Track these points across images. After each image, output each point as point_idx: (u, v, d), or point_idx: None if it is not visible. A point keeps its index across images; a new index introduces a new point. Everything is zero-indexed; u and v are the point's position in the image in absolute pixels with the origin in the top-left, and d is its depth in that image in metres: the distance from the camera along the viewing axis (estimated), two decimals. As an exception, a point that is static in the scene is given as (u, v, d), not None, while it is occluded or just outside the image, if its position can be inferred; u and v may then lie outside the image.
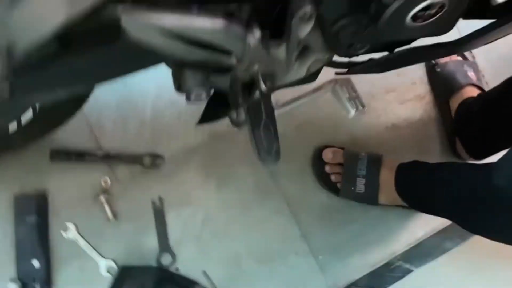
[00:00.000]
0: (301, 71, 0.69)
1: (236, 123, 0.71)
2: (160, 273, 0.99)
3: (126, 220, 1.03)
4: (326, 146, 1.08)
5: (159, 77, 1.06)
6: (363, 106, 0.65)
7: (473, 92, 1.09)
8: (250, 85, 0.65)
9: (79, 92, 0.60)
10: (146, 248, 1.03)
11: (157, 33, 0.50)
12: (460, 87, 1.09)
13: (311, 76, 0.74)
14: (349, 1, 0.56)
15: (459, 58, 1.16)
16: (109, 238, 1.00)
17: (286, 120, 1.07)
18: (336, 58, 0.76)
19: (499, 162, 0.66)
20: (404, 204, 1.04)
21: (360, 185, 1.03)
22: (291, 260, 1.06)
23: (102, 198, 1.02)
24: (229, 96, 0.69)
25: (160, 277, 0.98)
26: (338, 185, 1.06)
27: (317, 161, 1.08)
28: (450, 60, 1.15)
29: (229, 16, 0.53)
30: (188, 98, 0.61)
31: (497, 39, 0.75)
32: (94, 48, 0.54)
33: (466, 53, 1.15)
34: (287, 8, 0.57)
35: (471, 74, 1.13)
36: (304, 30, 0.56)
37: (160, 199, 1.05)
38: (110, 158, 1.05)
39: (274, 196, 1.08)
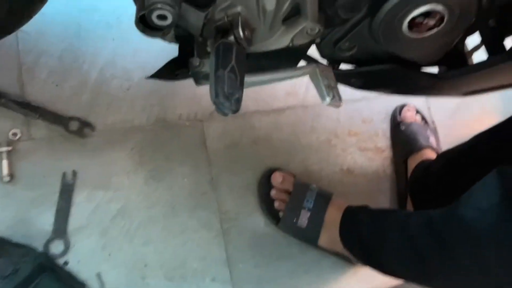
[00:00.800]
0: (284, 39, 0.62)
1: (195, 73, 0.60)
2: (43, 261, 0.77)
3: (23, 186, 0.83)
4: (278, 170, 0.99)
5: (118, 39, 0.97)
6: (339, 98, 0.57)
7: (432, 155, 1.07)
8: (224, 32, 0.56)
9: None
10: (37, 226, 0.81)
11: None
12: (421, 148, 1.07)
13: (292, 56, 0.66)
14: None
15: (423, 122, 1.16)
16: (-6, 200, 0.79)
17: (245, 130, 0.99)
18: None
19: (467, 194, 0.58)
20: (344, 253, 0.93)
21: (304, 219, 0.92)
22: (205, 285, 0.88)
23: (3, 150, 0.82)
24: (196, 41, 0.59)
25: (41, 266, 0.76)
26: (280, 213, 0.94)
27: (265, 183, 0.97)
28: (415, 122, 1.15)
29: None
30: (149, 15, 0.50)
31: (492, 89, 0.73)
32: None
33: (429, 120, 1.16)
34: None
35: (432, 139, 1.12)
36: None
37: (74, 172, 0.86)
38: (29, 109, 0.87)
39: (208, 207, 0.93)
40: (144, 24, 0.61)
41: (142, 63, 0.98)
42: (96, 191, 0.88)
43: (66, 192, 0.86)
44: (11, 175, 0.83)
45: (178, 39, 0.65)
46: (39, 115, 0.88)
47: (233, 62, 0.52)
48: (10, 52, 0.90)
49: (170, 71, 0.68)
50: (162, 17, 0.52)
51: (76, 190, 0.87)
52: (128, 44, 0.98)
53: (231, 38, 0.56)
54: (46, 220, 0.83)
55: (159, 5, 0.50)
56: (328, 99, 0.60)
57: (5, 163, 0.82)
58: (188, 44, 0.65)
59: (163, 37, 0.63)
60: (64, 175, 0.87)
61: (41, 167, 0.86)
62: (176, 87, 0.99)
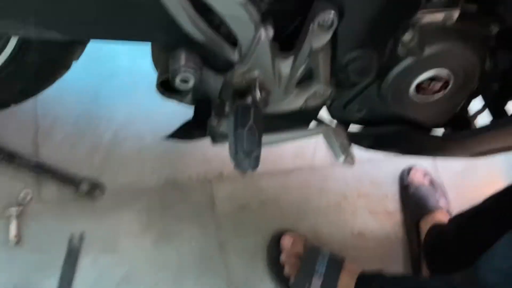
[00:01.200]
0: (298, 100, 0.64)
1: (213, 132, 0.61)
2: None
3: (30, 249, 0.81)
4: (288, 232, 0.97)
5: (133, 103, 1.01)
6: (353, 157, 0.58)
7: (443, 217, 1.05)
8: (241, 94, 0.58)
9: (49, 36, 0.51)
10: (40, 291, 0.78)
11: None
12: (432, 210, 1.06)
13: (304, 117, 0.68)
14: (368, 31, 0.54)
15: (432, 184, 1.16)
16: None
17: (253, 191, 0.99)
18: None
19: (486, 257, 0.57)
20: (359, 325, 0.88)
21: (316, 285, 0.88)
22: None
23: (13, 211, 0.81)
24: (214, 103, 0.62)
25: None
26: (292, 278, 0.90)
27: (274, 247, 0.94)
28: (423, 185, 1.14)
29: (249, -4, 0.50)
30: (173, 79, 0.53)
31: (498, 150, 0.75)
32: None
33: (437, 182, 1.15)
34: (303, 23, 0.55)
35: (442, 201, 1.11)
36: (319, 40, 0.53)
37: (81, 235, 0.85)
38: (42, 170, 0.88)
39: (216, 272, 0.90)
40: (164, 87, 0.64)
41: (154, 125, 1.01)
42: (102, 254, 0.86)
43: (72, 256, 0.83)
44: (19, 237, 0.81)
45: (195, 101, 0.68)
46: (51, 176, 0.88)
47: (251, 121, 0.54)
48: (28, 114, 0.93)
49: (186, 131, 0.70)
50: (184, 81, 0.55)
51: (82, 253, 0.84)
52: (142, 108, 1.01)
53: (249, 99, 0.58)
54: (49, 285, 0.79)
55: (183, 70, 0.53)
56: (342, 158, 0.61)
57: (13, 224, 0.81)
58: (205, 106, 0.68)
59: (181, 99, 0.65)
60: (71, 237, 0.85)
61: (49, 230, 0.84)
62: (186, 149, 1.01)
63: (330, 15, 0.51)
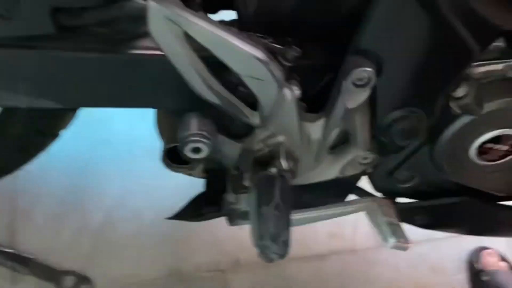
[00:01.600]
0: (332, 169, 0.67)
1: (229, 211, 0.64)
2: None
3: None
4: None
5: (129, 176, 1.05)
6: (406, 238, 0.59)
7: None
8: (264, 164, 0.62)
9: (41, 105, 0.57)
10: None
11: (181, 37, 0.51)
12: (516, 302, 1.03)
13: (341, 189, 0.70)
14: (412, 87, 0.58)
15: (510, 269, 1.13)
16: None
17: (279, 282, 0.99)
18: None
19: None
20: None
21: None
22: None
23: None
24: (230, 174, 0.65)
25: None
26: None
27: None
28: (500, 269, 1.12)
29: (271, 53, 0.55)
30: (181, 148, 0.57)
31: None
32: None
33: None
34: (334, 80, 0.59)
35: (527, 292, 1.07)
36: (355, 99, 0.57)
37: None
38: (18, 262, 0.91)
39: None
40: (171, 158, 0.68)
41: (155, 202, 1.04)
42: None
43: None
44: None
45: (207, 172, 0.71)
46: (28, 270, 0.91)
47: (277, 197, 0.56)
48: (5, 193, 0.98)
49: (195, 210, 0.72)
50: (196, 150, 0.58)
51: None
52: (140, 181, 1.05)
53: (273, 170, 0.61)
54: None
55: (194, 138, 0.57)
56: (392, 240, 0.61)
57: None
58: (219, 178, 0.71)
59: (190, 171, 0.69)
60: None
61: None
62: (194, 231, 1.03)
63: (366, 73, 0.55)
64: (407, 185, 0.73)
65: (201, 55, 0.53)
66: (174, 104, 0.61)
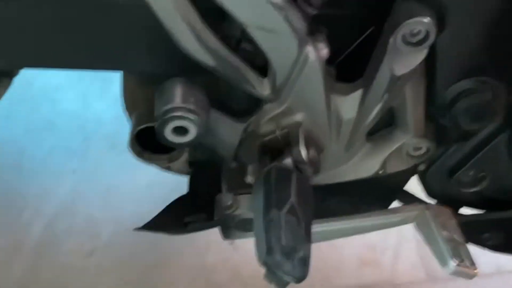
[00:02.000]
0: (370, 163, 0.67)
1: (225, 218, 0.64)
2: None
3: None
4: None
5: (82, 171, 1.04)
6: (472, 262, 0.60)
7: None
8: (274, 153, 0.63)
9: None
10: None
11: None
12: None
13: (382, 192, 0.71)
14: (488, 48, 0.59)
15: None
16: None
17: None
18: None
19: None
20: None
21: None
22: None
23: None
24: (225, 168, 0.66)
25: None
26: None
27: None
28: None
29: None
30: (160, 128, 0.58)
31: None
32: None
33: None
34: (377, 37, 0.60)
35: None
36: (406, 63, 0.57)
37: None
38: None
39: None
40: (143, 143, 0.68)
41: (117, 209, 1.04)
42: None
43: None
44: None
45: (193, 166, 0.71)
46: None
47: (292, 198, 0.56)
48: None
49: (175, 218, 0.73)
50: (180, 131, 0.58)
51: None
52: (97, 180, 1.05)
53: (288, 160, 0.61)
54: None
55: (180, 113, 0.57)
56: (453, 264, 0.62)
57: None
58: (208, 175, 0.71)
59: (170, 163, 0.69)
60: None
61: None
62: (171, 251, 1.03)
63: (422, 26, 0.55)
64: (474, 190, 0.73)
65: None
66: (150, 65, 0.62)
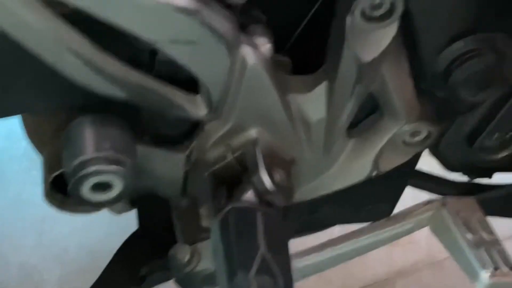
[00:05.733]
0: (360, 161, 0.69)
1: (183, 278, 0.67)
2: None
3: None
4: None
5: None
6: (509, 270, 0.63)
7: None
8: (231, 183, 0.65)
9: None
10: None
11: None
12: None
13: (380, 193, 0.74)
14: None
15: None
16: None
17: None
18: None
19: None
20: None
21: None
22: None
23: None
24: (173, 207, 0.69)
25: None
26: None
27: None
28: None
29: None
30: (73, 191, 0.60)
31: None
32: None
33: None
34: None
35: None
36: (372, 43, 0.59)
37: None
38: None
39: None
40: (61, 188, 0.70)
41: (60, 248, 1.07)
42: None
43: None
44: None
45: (135, 203, 0.74)
46: None
47: (262, 249, 0.59)
48: None
49: (129, 271, 0.76)
50: (101, 187, 0.61)
51: None
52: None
53: (248, 195, 0.63)
54: None
55: (96, 167, 0.59)
56: (485, 275, 0.65)
57: None
58: (157, 207, 0.74)
59: (104, 208, 0.72)
60: None
61: None
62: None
63: None
64: (503, 155, 0.76)
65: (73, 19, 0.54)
66: (47, 104, 0.64)
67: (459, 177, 0.82)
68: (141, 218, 0.76)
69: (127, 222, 0.78)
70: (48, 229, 1.14)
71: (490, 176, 0.80)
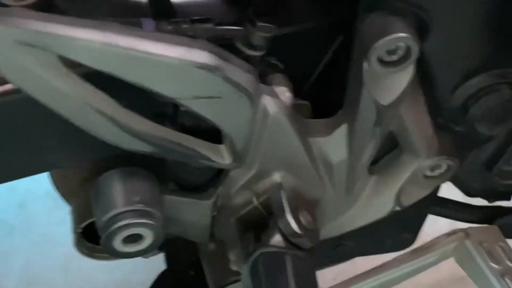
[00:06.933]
0: (382, 198, 0.71)
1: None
2: None
3: None
4: None
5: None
6: None
7: None
8: (258, 227, 0.66)
9: None
10: None
11: (55, 66, 0.53)
12: None
13: (402, 225, 0.75)
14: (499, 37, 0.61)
15: None
16: None
17: None
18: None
19: None
20: None
21: None
22: None
23: None
24: (201, 252, 0.71)
25: None
26: None
27: None
28: None
29: (228, 47, 0.57)
30: (105, 245, 0.62)
31: None
32: None
33: None
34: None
35: None
36: (389, 87, 0.60)
37: None
38: None
39: None
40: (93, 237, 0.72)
41: (87, 286, 1.09)
42: None
43: None
44: None
45: (164, 246, 0.75)
46: None
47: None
48: None
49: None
50: (133, 239, 0.62)
51: None
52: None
53: (276, 239, 0.64)
54: None
55: (125, 220, 0.61)
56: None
57: None
58: (184, 250, 0.75)
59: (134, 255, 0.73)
60: None
61: None
62: None
63: (400, 40, 0.57)
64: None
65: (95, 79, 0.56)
66: (73, 161, 0.66)
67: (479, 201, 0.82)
68: (169, 259, 0.77)
69: (152, 258, 0.79)
70: (75, 266, 1.16)
71: (508, 199, 0.81)
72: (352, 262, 0.90)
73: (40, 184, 0.87)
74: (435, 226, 0.88)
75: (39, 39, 0.51)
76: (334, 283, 0.92)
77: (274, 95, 0.61)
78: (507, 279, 0.67)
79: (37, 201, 1.30)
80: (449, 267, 1.10)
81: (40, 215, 1.29)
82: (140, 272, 0.88)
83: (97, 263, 1.09)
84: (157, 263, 0.83)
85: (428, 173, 0.69)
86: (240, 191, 0.66)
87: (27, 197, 1.31)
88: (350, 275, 0.96)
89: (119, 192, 0.62)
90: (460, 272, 1.12)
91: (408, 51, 0.58)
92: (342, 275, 0.93)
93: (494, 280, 0.66)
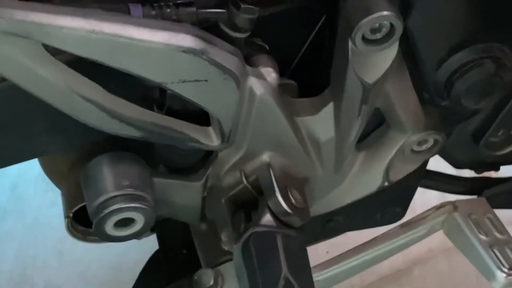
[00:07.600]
0: (370, 174, 0.71)
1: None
2: None
3: None
4: None
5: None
6: None
7: None
8: (248, 207, 0.67)
9: None
10: None
11: (39, 55, 0.53)
12: None
13: (391, 200, 0.76)
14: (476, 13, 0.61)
15: None
16: None
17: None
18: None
19: None
20: None
21: None
22: None
23: None
24: (193, 231, 0.72)
25: None
26: None
27: None
28: None
29: (212, 30, 0.57)
30: (98, 229, 0.63)
31: None
32: None
33: None
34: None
35: None
36: (374, 65, 0.60)
37: None
38: None
39: None
40: (83, 220, 0.72)
41: (81, 266, 1.09)
42: None
43: None
44: None
45: (155, 230, 0.76)
46: None
47: (284, 270, 0.61)
48: None
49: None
50: (124, 223, 0.63)
51: None
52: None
53: (266, 218, 0.64)
54: None
55: (118, 205, 0.61)
56: (501, 275, 0.66)
57: None
58: (177, 229, 0.76)
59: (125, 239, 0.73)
60: None
61: None
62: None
63: (384, 18, 0.57)
64: (508, 150, 0.78)
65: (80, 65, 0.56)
66: (59, 147, 0.66)
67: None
68: (161, 239, 0.78)
69: (145, 238, 0.80)
70: (68, 248, 1.17)
71: (497, 169, 0.82)
72: (344, 235, 0.91)
73: (31, 167, 0.87)
74: (424, 198, 0.89)
75: (23, 29, 0.51)
76: (327, 256, 0.93)
77: (260, 76, 0.61)
78: (495, 250, 0.67)
79: (28, 184, 1.30)
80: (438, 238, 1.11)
81: (32, 198, 1.29)
82: (133, 253, 0.88)
83: (91, 245, 1.10)
84: (151, 244, 0.83)
85: (416, 148, 0.70)
86: (229, 172, 0.66)
87: (18, 180, 1.32)
88: (343, 248, 0.97)
89: (109, 177, 0.62)
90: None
91: (392, 29, 0.58)
92: (334, 248, 0.94)
93: (482, 251, 0.67)
